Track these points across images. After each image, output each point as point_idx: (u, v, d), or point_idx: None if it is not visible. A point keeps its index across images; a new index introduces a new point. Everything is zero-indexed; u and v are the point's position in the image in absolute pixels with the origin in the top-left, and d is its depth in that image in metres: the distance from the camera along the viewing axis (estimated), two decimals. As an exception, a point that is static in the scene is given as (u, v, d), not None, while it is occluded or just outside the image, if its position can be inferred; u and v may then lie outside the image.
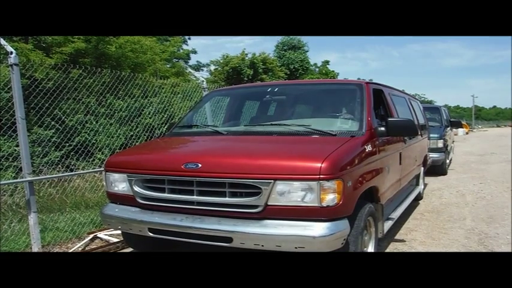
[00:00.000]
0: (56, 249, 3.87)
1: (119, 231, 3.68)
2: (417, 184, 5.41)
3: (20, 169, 3.81)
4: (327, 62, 25.78)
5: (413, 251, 3.65)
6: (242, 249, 2.55)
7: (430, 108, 9.27)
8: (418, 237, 4.07)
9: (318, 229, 2.41)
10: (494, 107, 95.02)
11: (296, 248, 2.43)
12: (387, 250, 3.67)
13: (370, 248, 3.08)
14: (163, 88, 7.78)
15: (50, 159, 5.81)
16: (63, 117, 5.83)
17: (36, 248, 3.64)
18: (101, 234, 4.16)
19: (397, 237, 4.06)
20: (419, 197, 5.56)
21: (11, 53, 3.39)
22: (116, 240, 3.94)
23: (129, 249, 3.73)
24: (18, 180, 4.06)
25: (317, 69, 24.40)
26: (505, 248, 3.66)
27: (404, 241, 3.93)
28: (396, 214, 3.89)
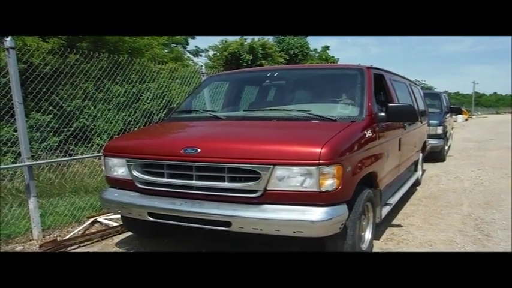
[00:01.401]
0: (56, 233, 3.90)
1: (119, 216, 3.71)
2: (415, 170, 5.43)
3: (19, 154, 3.81)
4: (327, 48, 25.40)
5: (410, 235, 3.69)
6: (241, 234, 2.58)
7: (431, 95, 9.25)
8: (415, 222, 4.11)
9: (316, 214, 2.43)
10: (495, 93, 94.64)
11: (294, 232, 2.45)
12: (384, 235, 3.71)
13: (368, 233, 3.11)
14: (161, 73, 7.69)
15: (49, 144, 5.80)
16: (61, 103, 5.79)
17: (36, 231, 3.67)
18: (100, 219, 4.19)
19: (394, 222, 4.10)
20: (417, 183, 5.59)
21: (7, 36, 3.34)
22: (115, 224, 3.97)
23: (129, 233, 3.77)
24: (17, 164, 4.07)
25: (317, 55, 24.12)
26: (500, 233, 3.70)
27: (402, 226, 3.97)
28: (394, 199, 3.92)
